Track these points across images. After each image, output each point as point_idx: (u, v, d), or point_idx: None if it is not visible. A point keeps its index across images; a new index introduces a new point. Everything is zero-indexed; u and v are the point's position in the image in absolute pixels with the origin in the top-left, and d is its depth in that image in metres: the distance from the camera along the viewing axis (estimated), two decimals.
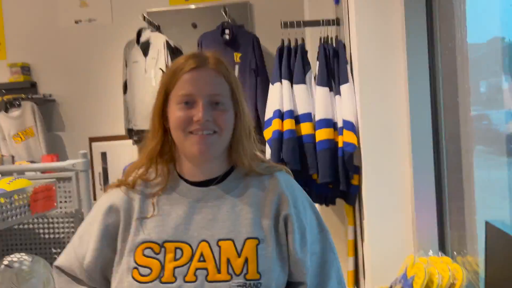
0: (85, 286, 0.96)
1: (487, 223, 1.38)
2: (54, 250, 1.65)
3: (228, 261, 0.87)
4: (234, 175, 0.96)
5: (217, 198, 0.92)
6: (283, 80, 2.31)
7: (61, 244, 1.64)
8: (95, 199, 3.54)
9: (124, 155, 3.50)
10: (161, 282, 0.86)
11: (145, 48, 3.17)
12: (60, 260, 1.00)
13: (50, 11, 3.62)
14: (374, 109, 2.02)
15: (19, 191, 1.30)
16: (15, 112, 3.43)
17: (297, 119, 2.27)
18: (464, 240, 1.91)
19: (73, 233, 1.63)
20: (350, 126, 2.11)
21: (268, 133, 2.29)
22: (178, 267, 0.87)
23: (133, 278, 0.88)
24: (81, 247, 0.96)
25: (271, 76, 2.42)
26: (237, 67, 3.07)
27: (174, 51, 3.22)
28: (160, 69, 3.11)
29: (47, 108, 3.63)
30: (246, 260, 0.87)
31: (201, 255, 0.87)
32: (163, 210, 0.92)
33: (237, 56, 3.08)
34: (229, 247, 0.87)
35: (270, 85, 2.39)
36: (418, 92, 1.94)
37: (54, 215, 1.65)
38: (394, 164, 1.99)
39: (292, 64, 2.34)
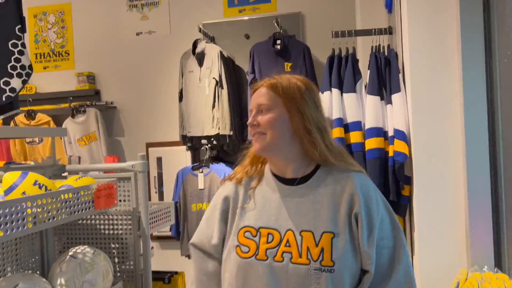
0: (213, 258, 1.21)
1: None
2: (113, 245, 1.76)
3: (308, 249, 1.05)
4: (317, 176, 1.14)
5: (301, 196, 1.12)
6: (333, 89, 2.32)
7: (120, 240, 1.75)
8: (150, 200, 3.71)
9: (178, 160, 3.65)
10: (256, 259, 1.09)
11: (200, 58, 3.31)
12: (194, 239, 1.26)
13: (114, 24, 3.88)
14: (426, 118, 1.98)
15: (84, 188, 1.41)
16: (80, 118, 3.69)
17: (347, 128, 2.27)
18: None
19: (131, 230, 1.74)
20: (402, 136, 2.08)
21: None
22: (269, 248, 1.08)
23: (237, 253, 1.12)
24: (208, 228, 1.21)
25: (321, 85, 2.44)
26: None
27: (227, 61, 3.33)
28: (214, 78, 3.23)
29: (108, 115, 3.87)
30: (322, 250, 1.04)
31: (287, 241, 1.07)
32: (260, 203, 1.15)
33: (287, 66, 3.14)
34: (309, 237, 1.06)
35: (320, 93, 2.41)
36: (474, 102, 1.89)
37: (113, 212, 1.76)
38: (447, 175, 1.94)
39: (342, 73, 2.35)
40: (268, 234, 1.10)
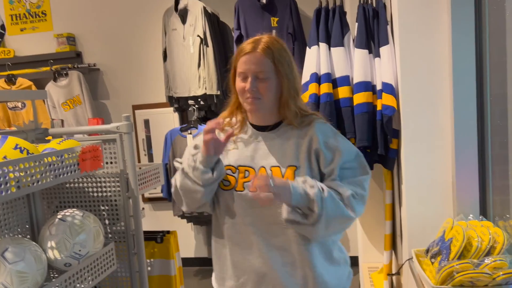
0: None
1: None
2: (102, 207, 1.76)
3: None
4: (283, 126, 1.36)
5: (271, 139, 1.35)
6: (320, 43, 2.27)
7: (109, 202, 1.75)
8: (139, 161, 3.70)
9: (166, 121, 3.61)
10: (235, 190, 1.33)
11: (183, 15, 3.19)
12: (183, 161, 1.38)
13: None
14: (415, 71, 1.95)
15: (68, 151, 1.38)
16: (63, 82, 3.60)
17: (335, 83, 2.24)
18: (508, 205, 1.85)
19: (119, 191, 1.74)
20: (390, 89, 2.06)
21: (304, 98, 2.28)
22: (246, 182, 1.32)
23: (219, 187, 1.35)
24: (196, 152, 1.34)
25: (308, 39, 2.38)
26: (274, 32, 3.04)
27: (211, 18, 3.23)
28: (198, 36, 3.13)
29: (92, 77, 3.78)
30: (287, 180, 1.26)
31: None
32: (239, 146, 1.37)
33: (274, 21, 3.05)
34: (277, 171, 1.31)
35: (307, 48, 2.35)
36: (462, 52, 1.86)
37: (101, 175, 1.75)
38: (434, 127, 1.94)
39: (330, 26, 2.29)
40: (245, 170, 1.34)
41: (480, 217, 1.77)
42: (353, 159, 1.36)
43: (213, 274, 1.49)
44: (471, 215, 1.79)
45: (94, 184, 1.76)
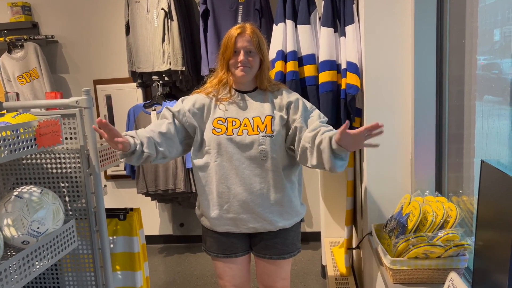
0: (174, 123, 1.79)
1: (482, 162, 1.41)
2: (62, 184, 1.71)
3: (258, 126, 1.74)
4: (258, 90, 1.82)
5: (252, 98, 1.79)
6: (287, 20, 2.26)
7: (69, 179, 1.70)
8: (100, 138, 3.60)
9: (129, 97, 3.52)
10: (226, 135, 1.73)
11: None
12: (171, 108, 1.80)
13: None
14: (378, 51, 1.99)
15: (24, 125, 1.32)
16: (18, 53, 3.41)
17: (301, 61, 2.24)
18: (461, 182, 1.95)
19: (80, 168, 1.69)
20: (354, 68, 2.09)
21: (270, 75, 2.27)
22: (234, 128, 1.74)
23: (212, 133, 1.75)
24: (186, 104, 1.79)
25: (275, 16, 2.36)
26: (241, 7, 2.99)
27: None
28: (162, 9, 3.04)
29: (50, 50, 3.61)
30: (266, 126, 1.73)
31: (245, 124, 1.74)
32: (226, 104, 1.78)
33: None
34: (258, 120, 1.75)
35: (274, 25, 2.34)
36: (424, 34, 1.90)
37: (60, 151, 1.69)
38: (396, 106, 2.00)
39: (296, 3, 2.27)
40: (233, 121, 1.75)
41: (436, 193, 1.86)
42: (314, 110, 1.80)
43: (198, 207, 1.89)
44: (427, 191, 1.87)
45: (54, 161, 1.71)
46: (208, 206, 1.80)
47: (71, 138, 1.68)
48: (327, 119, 1.78)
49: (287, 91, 1.83)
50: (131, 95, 3.53)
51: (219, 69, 1.82)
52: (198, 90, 1.85)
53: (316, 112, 1.79)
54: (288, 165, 1.78)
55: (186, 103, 1.80)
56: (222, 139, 1.72)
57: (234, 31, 1.73)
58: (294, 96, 1.80)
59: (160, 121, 1.78)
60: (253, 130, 1.73)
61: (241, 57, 1.70)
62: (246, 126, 1.74)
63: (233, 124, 1.74)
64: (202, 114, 1.79)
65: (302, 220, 1.91)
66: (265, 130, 1.72)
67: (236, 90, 1.81)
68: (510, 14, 1.52)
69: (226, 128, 1.73)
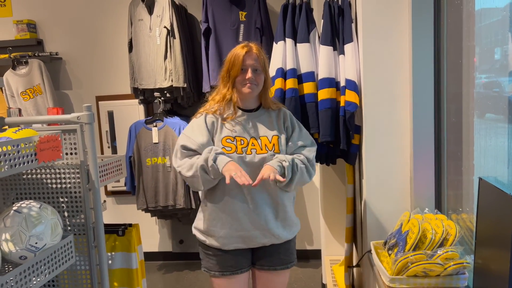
0: (196, 153, 1.78)
1: (480, 179, 1.41)
2: (61, 199, 1.71)
3: (266, 145, 1.80)
4: (262, 110, 1.88)
5: (257, 117, 1.85)
6: (286, 39, 2.29)
7: (68, 194, 1.71)
8: (102, 153, 3.62)
9: (131, 114, 3.55)
10: (236, 154, 1.76)
11: (150, 5, 3.14)
12: (184, 143, 1.80)
13: None
14: (376, 69, 2.01)
15: (25, 140, 1.34)
16: (22, 70, 3.46)
17: (300, 78, 2.27)
18: (460, 199, 1.94)
19: (80, 183, 1.70)
20: (353, 86, 2.11)
21: (270, 92, 2.30)
22: (243, 148, 1.79)
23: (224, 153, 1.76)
24: (199, 138, 1.78)
25: (275, 34, 2.39)
26: (242, 26, 3.04)
27: (179, 9, 3.19)
28: (165, 27, 3.09)
29: (54, 66, 3.66)
30: (274, 145, 1.81)
31: (252, 143, 1.80)
32: (233, 123, 1.81)
33: (242, 15, 3.05)
34: (265, 139, 1.81)
35: (274, 43, 2.37)
36: (422, 52, 1.93)
37: (61, 166, 1.70)
38: (394, 124, 2.01)
39: (296, 22, 2.31)
40: (241, 139, 1.80)
41: (435, 211, 1.85)
42: (309, 144, 1.88)
43: (201, 227, 1.88)
44: (426, 209, 1.87)
45: (54, 176, 1.71)
46: (216, 225, 1.82)
47: (71, 154, 1.69)
48: (309, 143, 1.88)
49: (288, 112, 1.91)
50: (133, 111, 3.56)
51: (221, 86, 1.84)
52: (201, 110, 1.86)
53: (300, 142, 1.87)
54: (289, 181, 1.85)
55: (197, 136, 1.80)
56: (234, 158, 1.75)
57: (240, 49, 1.78)
58: (292, 119, 1.90)
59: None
60: (261, 149, 1.78)
61: (249, 74, 1.75)
62: (254, 146, 1.79)
63: (242, 143, 1.79)
64: (211, 133, 1.82)
65: None
66: (273, 149, 1.79)
67: (240, 108, 1.84)
68: (509, 33, 1.54)
69: (236, 147, 1.78)
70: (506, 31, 1.59)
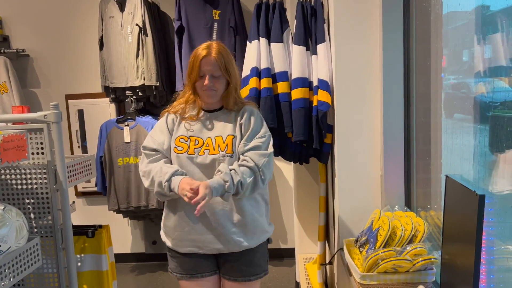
0: (163, 156, 1.77)
1: (447, 177, 1.45)
2: (27, 200, 1.65)
3: (219, 146, 1.74)
4: (223, 110, 1.81)
5: (215, 118, 1.79)
6: (260, 38, 2.29)
7: (34, 195, 1.65)
8: (72, 153, 3.53)
9: (102, 113, 3.47)
10: (187, 154, 1.73)
11: (121, 2, 3.08)
12: (146, 144, 1.80)
13: None
14: (348, 69, 2.04)
15: None
16: None
17: (274, 78, 2.27)
18: (429, 197, 2.00)
19: (46, 184, 1.65)
20: (325, 86, 2.13)
21: (245, 91, 2.29)
22: (196, 148, 1.74)
23: (173, 151, 1.76)
24: (159, 137, 1.78)
25: (249, 33, 2.39)
26: (216, 24, 3.02)
27: (151, 7, 3.14)
28: (137, 24, 3.04)
29: (21, 64, 3.54)
30: (227, 145, 1.74)
31: (207, 143, 1.75)
32: (191, 123, 1.78)
33: (216, 14, 3.04)
34: (220, 139, 1.75)
35: (248, 43, 2.37)
36: (392, 53, 1.96)
37: (26, 166, 1.64)
38: (365, 123, 2.04)
39: (270, 22, 2.31)
40: (196, 140, 1.76)
41: (405, 208, 1.89)
42: (262, 137, 1.77)
43: (162, 227, 1.86)
44: (396, 206, 1.91)
45: (19, 176, 1.66)
46: (171, 226, 1.79)
47: (38, 153, 1.64)
48: (263, 145, 1.76)
49: (248, 108, 1.80)
50: (104, 110, 3.48)
51: (187, 89, 1.82)
52: (166, 109, 1.85)
53: (252, 143, 1.75)
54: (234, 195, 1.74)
55: (158, 135, 1.80)
56: (183, 158, 1.72)
57: (200, 51, 1.72)
58: (250, 115, 1.78)
59: (161, 162, 1.76)
60: (214, 150, 1.73)
61: (206, 81, 1.70)
62: (208, 146, 1.74)
63: (196, 144, 1.74)
64: (171, 132, 1.80)
65: (269, 241, 1.88)
66: (226, 149, 1.72)
67: (204, 110, 1.80)
68: (477, 36, 1.59)
69: (188, 147, 1.74)
70: (473, 33, 1.65)
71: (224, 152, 1.72)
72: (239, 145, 1.74)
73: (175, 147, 1.74)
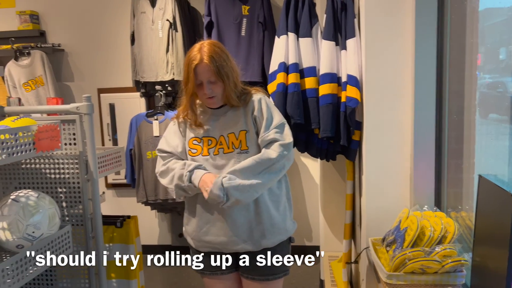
0: (178, 158, 1.77)
1: (480, 177, 1.40)
2: (59, 190, 1.71)
3: (233, 143, 1.71)
4: (226, 107, 1.75)
5: (224, 114, 1.74)
6: (289, 33, 2.27)
7: (66, 184, 1.71)
8: (103, 145, 3.62)
9: (132, 106, 3.54)
10: (202, 156, 1.72)
11: None
12: (160, 147, 1.80)
13: None
14: (379, 64, 2.00)
15: (23, 129, 1.34)
16: (24, 61, 3.46)
17: (302, 73, 2.26)
18: (460, 197, 1.93)
19: (78, 174, 1.70)
20: (354, 81, 2.10)
21: (272, 87, 2.29)
22: (210, 148, 1.72)
23: (188, 154, 1.75)
24: (173, 140, 1.78)
25: (278, 28, 2.38)
26: (244, 20, 3.02)
27: (181, 2, 3.18)
28: (167, 20, 3.08)
29: (56, 58, 3.65)
30: (240, 141, 1.71)
31: (220, 142, 1.72)
32: (201, 123, 1.74)
33: (245, 9, 3.04)
34: (232, 136, 1.71)
35: (276, 37, 2.36)
36: (425, 49, 1.91)
37: (59, 156, 1.70)
38: (395, 120, 1.99)
39: (299, 16, 2.29)
40: (208, 140, 1.73)
41: (435, 208, 1.84)
42: (278, 125, 1.71)
43: (184, 228, 1.87)
44: (426, 206, 1.86)
45: (52, 166, 1.71)
46: (191, 225, 1.80)
47: (70, 144, 1.69)
48: (279, 136, 1.70)
49: (257, 98, 1.74)
50: (134, 104, 3.55)
51: (184, 96, 1.75)
52: (174, 117, 1.82)
53: (270, 135, 1.70)
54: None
55: (172, 138, 1.79)
56: (199, 160, 1.71)
57: (193, 57, 1.64)
58: (261, 106, 1.73)
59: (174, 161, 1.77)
60: (229, 148, 1.70)
61: (205, 90, 1.65)
62: (222, 144, 1.71)
63: (209, 144, 1.72)
64: (184, 135, 1.78)
65: (291, 240, 1.83)
66: (240, 146, 1.69)
67: (210, 108, 1.76)
68: None
69: (202, 148, 1.72)
70: (511, 31, 1.58)
71: (238, 149, 1.69)
72: (260, 138, 1.70)
73: (190, 149, 1.74)
